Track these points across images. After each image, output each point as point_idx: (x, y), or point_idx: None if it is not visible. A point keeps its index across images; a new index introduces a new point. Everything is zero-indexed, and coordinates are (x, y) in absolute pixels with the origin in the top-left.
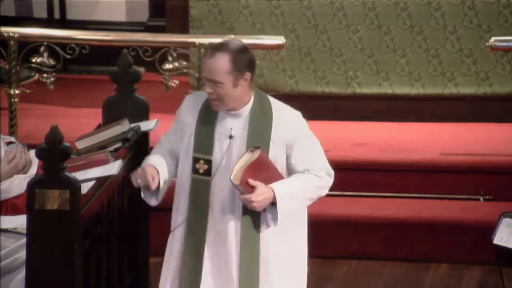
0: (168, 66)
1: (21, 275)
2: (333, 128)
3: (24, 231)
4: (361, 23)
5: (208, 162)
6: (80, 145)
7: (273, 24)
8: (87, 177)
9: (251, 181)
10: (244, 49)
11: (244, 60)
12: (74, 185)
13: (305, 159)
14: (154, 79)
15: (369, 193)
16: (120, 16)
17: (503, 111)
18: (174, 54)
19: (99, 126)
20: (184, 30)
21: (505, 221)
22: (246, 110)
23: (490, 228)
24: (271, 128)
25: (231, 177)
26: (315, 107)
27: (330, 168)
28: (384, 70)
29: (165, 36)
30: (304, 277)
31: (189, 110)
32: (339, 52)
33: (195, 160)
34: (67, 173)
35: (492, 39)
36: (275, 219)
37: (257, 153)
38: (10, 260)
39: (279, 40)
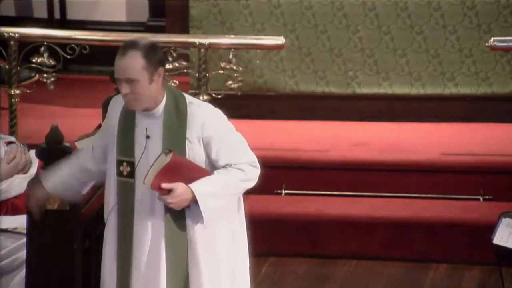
0: (168, 66)
1: (21, 275)
2: (333, 128)
3: (24, 231)
4: (361, 23)
5: (131, 164)
6: (80, 145)
7: (273, 24)
8: None
9: (165, 185)
10: (155, 46)
11: (156, 56)
12: None
13: (225, 155)
14: None
15: (369, 193)
16: (120, 16)
17: (503, 111)
18: (174, 54)
19: (99, 126)
20: (184, 30)
21: (505, 221)
22: (159, 109)
23: (490, 228)
24: (185, 127)
25: (144, 181)
26: (315, 107)
27: (255, 160)
28: (384, 70)
29: (165, 36)
30: (245, 274)
31: (113, 113)
32: (339, 52)
33: (119, 162)
34: None
35: (492, 39)
36: (200, 217)
37: (169, 157)
38: (10, 260)
39: (279, 40)
